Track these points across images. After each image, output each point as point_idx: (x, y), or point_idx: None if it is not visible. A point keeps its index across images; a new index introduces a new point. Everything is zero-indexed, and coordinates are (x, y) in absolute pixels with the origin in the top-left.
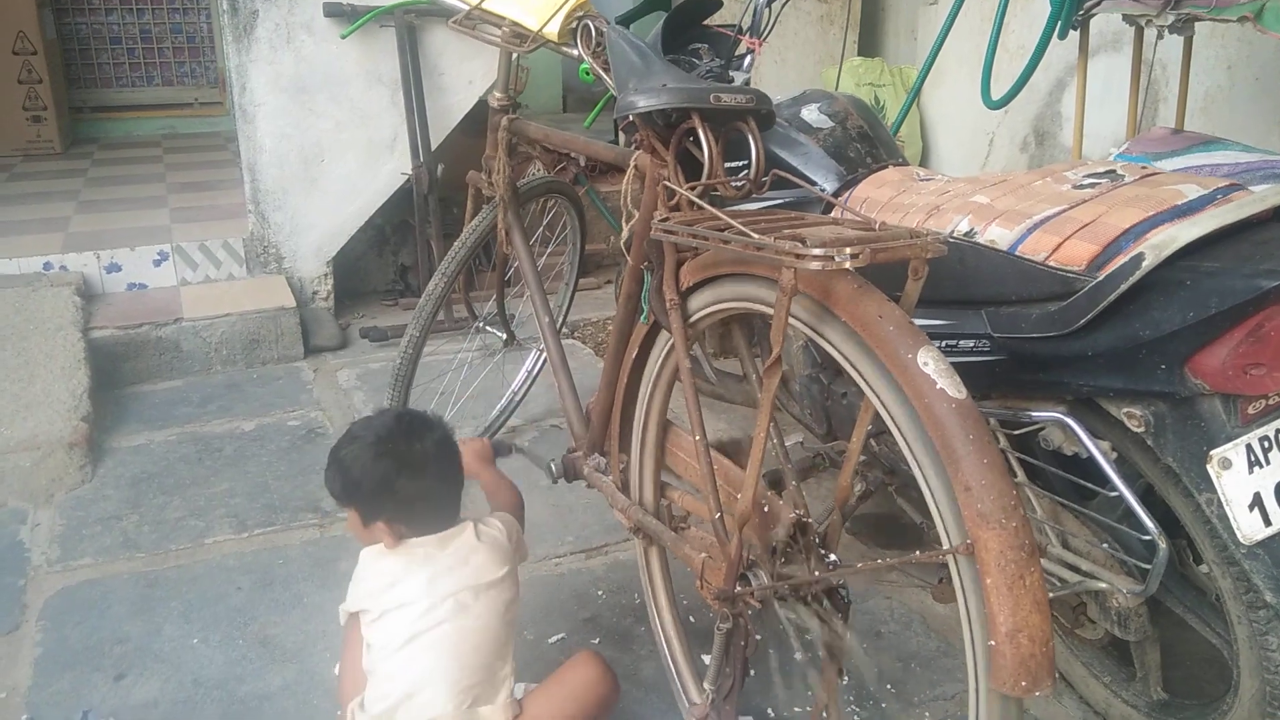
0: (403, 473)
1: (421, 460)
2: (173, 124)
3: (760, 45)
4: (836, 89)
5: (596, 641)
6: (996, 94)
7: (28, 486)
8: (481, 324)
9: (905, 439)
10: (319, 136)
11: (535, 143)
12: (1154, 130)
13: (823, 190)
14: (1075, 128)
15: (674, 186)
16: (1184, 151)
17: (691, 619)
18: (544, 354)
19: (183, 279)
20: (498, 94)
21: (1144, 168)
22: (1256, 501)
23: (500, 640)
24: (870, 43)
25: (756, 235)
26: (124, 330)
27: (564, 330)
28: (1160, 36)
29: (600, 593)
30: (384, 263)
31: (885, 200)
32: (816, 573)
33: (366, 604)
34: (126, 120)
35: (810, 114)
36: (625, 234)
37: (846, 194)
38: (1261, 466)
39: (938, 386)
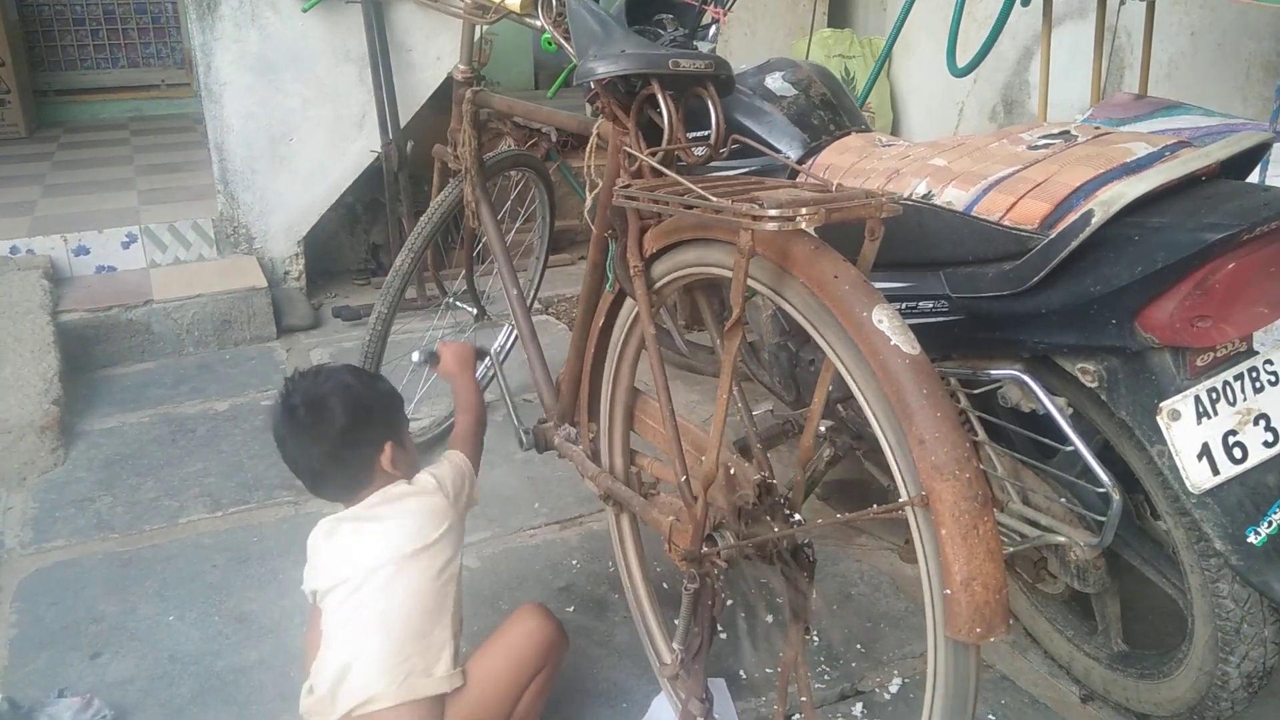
0: (288, 441)
1: (303, 424)
2: (140, 106)
3: (725, 15)
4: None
5: (571, 610)
6: (962, 62)
7: None
8: (451, 300)
9: (863, 395)
10: (286, 115)
11: (500, 114)
12: (1117, 96)
13: (787, 157)
14: (1040, 96)
15: (634, 152)
16: (1146, 117)
17: (665, 585)
18: (515, 329)
19: (152, 261)
20: (461, 66)
21: (1097, 128)
22: (1205, 451)
23: (434, 606)
24: (840, 14)
25: (714, 199)
26: (93, 313)
27: (536, 305)
28: (1123, 3)
29: (575, 562)
30: (356, 241)
31: (847, 166)
32: (780, 531)
33: (310, 582)
34: (92, 103)
35: (774, 82)
36: (589, 202)
37: (810, 161)
38: (1209, 417)
39: (892, 343)
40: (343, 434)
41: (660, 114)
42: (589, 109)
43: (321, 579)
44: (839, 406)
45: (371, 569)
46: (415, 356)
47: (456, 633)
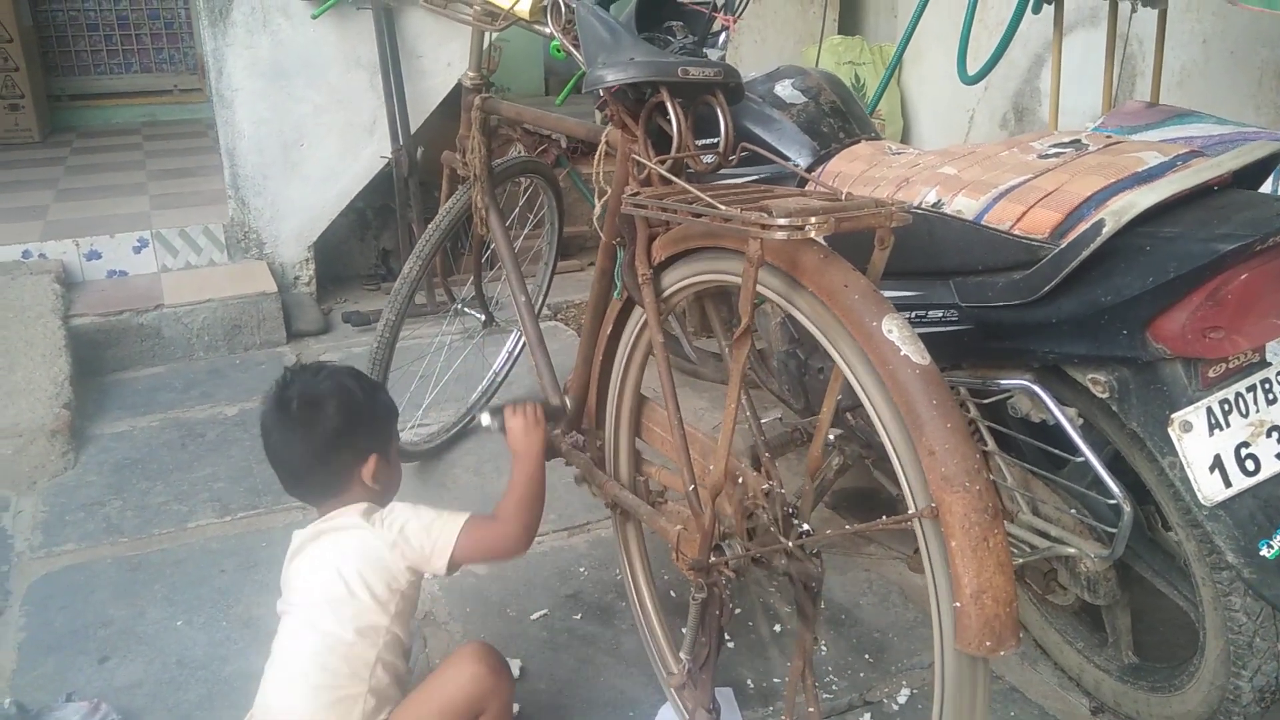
0: (274, 433)
1: (293, 419)
2: (152, 111)
3: (735, 22)
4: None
5: (578, 617)
6: (973, 70)
7: (10, 474)
8: (460, 306)
9: (872, 406)
10: (298, 121)
11: (509, 121)
12: (1128, 104)
13: (796, 165)
14: (1051, 103)
15: (643, 160)
16: (1158, 125)
17: (672, 594)
18: (523, 335)
19: (163, 265)
20: (470, 73)
21: (1108, 137)
22: (1217, 463)
23: (342, 663)
24: (850, 21)
25: (723, 207)
26: (105, 317)
27: (545, 312)
28: (1135, 10)
29: (582, 569)
30: (366, 247)
31: (857, 174)
32: (788, 541)
33: (280, 602)
34: (105, 108)
35: (784, 90)
36: (598, 210)
37: (819, 169)
38: (1221, 429)
39: (902, 353)
40: (331, 437)
41: (669, 121)
42: (598, 116)
43: (281, 601)
44: (848, 415)
45: (297, 605)
46: (485, 420)
47: (384, 690)
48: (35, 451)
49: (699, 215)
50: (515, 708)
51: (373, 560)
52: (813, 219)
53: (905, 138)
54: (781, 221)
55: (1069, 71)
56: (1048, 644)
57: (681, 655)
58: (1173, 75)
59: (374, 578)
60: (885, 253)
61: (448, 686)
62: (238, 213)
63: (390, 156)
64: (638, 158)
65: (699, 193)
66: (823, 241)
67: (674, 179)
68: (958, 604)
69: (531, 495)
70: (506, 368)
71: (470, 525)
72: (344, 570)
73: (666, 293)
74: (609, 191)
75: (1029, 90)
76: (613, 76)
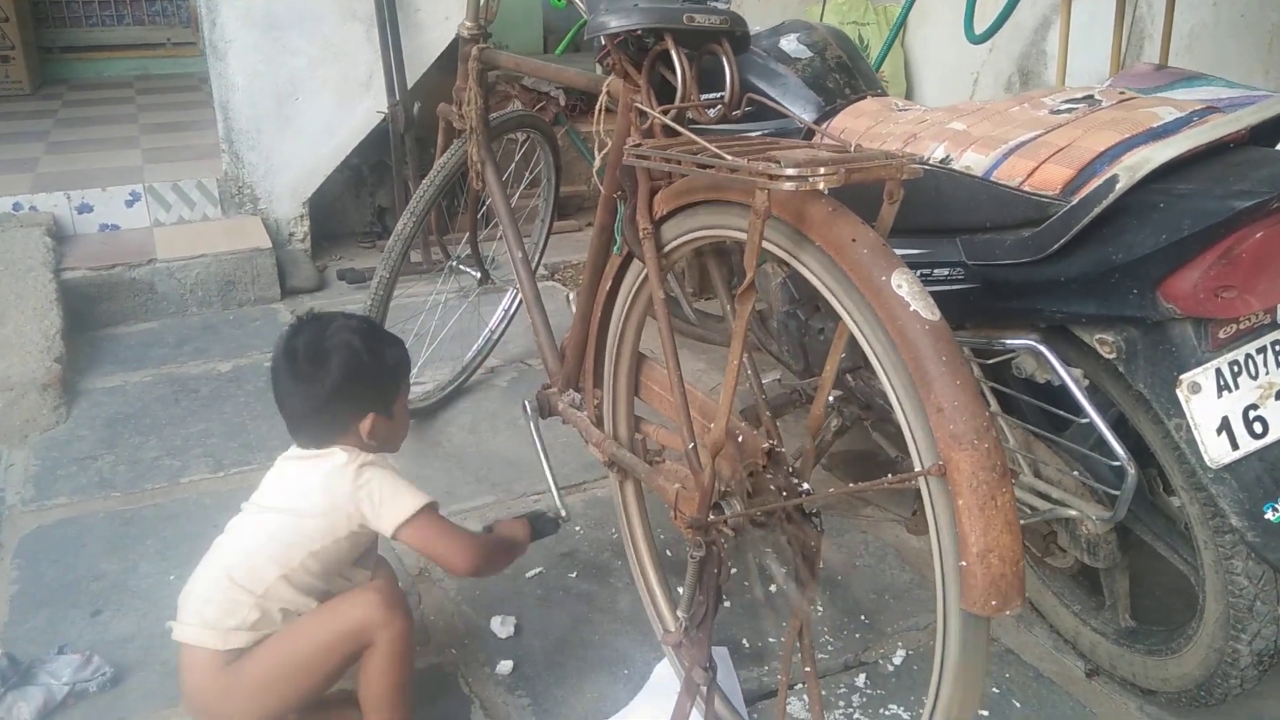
0: (280, 381)
1: (299, 371)
2: (145, 64)
3: None
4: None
5: (574, 575)
6: (979, 30)
7: (1, 427)
8: (455, 263)
9: (879, 362)
10: (292, 74)
11: (507, 71)
12: (1137, 66)
13: (803, 119)
14: (1059, 65)
15: (646, 109)
16: (1167, 88)
17: (669, 553)
18: (519, 293)
19: (156, 220)
20: (468, 23)
21: (1121, 93)
22: (1224, 425)
23: (262, 565)
24: None
25: (730, 157)
26: (96, 271)
27: (542, 271)
28: None
29: (578, 528)
30: (361, 204)
31: (863, 130)
32: (787, 500)
33: None
34: (97, 61)
35: (789, 44)
36: (598, 163)
37: (825, 124)
38: (1230, 391)
39: (911, 309)
40: (330, 392)
41: (673, 72)
42: (599, 68)
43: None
44: (848, 376)
45: (250, 503)
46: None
47: (270, 612)
48: (26, 405)
49: (704, 166)
50: (511, 665)
51: (331, 493)
52: (821, 170)
53: (909, 99)
54: (790, 172)
55: (1076, 33)
56: (1044, 607)
57: (679, 613)
58: (1182, 38)
59: (320, 510)
60: (894, 207)
61: (338, 611)
62: (231, 167)
63: (386, 112)
64: (641, 107)
65: (705, 144)
66: (831, 196)
67: (679, 128)
68: (964, 563)
69: (501, 553)
70: (502, 326)
71: (429, 517)
72: (300, 488)
73: (668, 248)
74: (609, 144)
75: (1035, 53)
76: (616, 23)
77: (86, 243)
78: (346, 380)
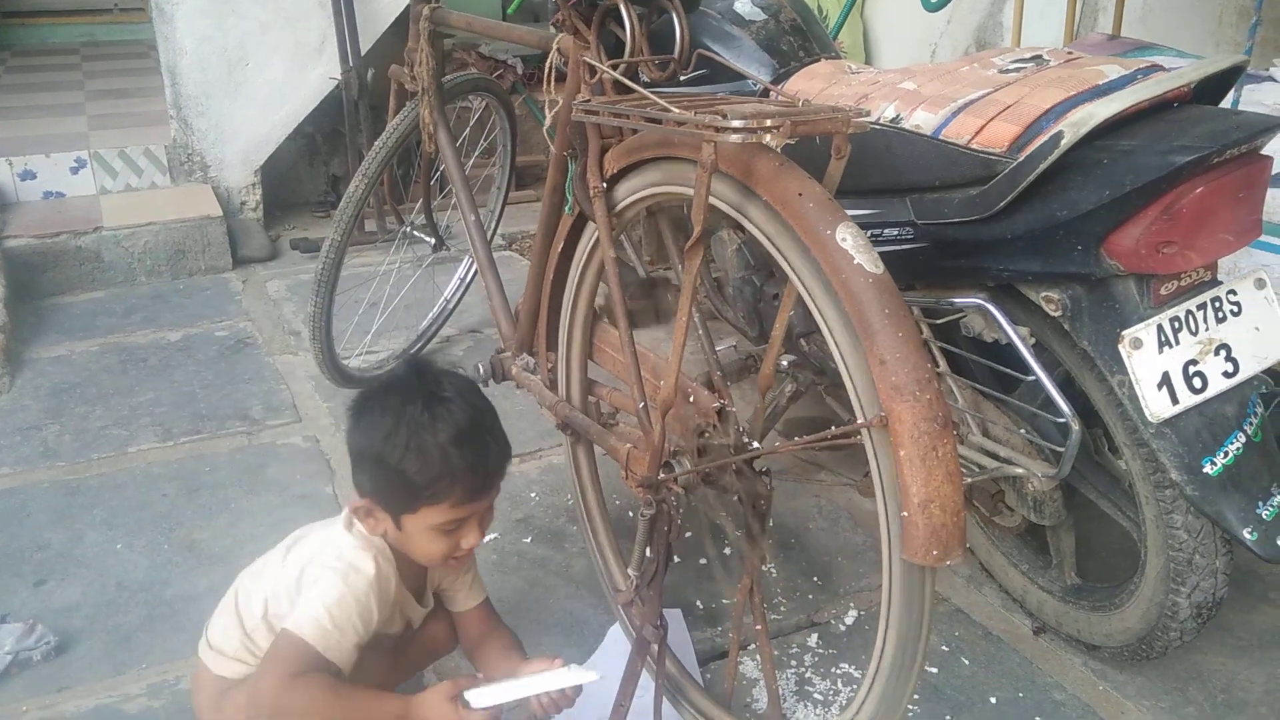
0: (366, 415)
1: (375, 417)
2: (91, 31)
3: None
4: None
5: (528, 540)
6: None
7: None
8: (409, 230)
9: (823, 317)
10: (242, 38)
11: (458, 30)
12: (1090, 36)
13: (759, 79)
14: (1014, 37)
15: (596, 64)
16: (1120, 56)
17: (629, 514)
18: (474, 259)
19: (102, 187)
20: None
21: (1069, 52)
22: (1165, 381)
23: (251, 601)
24: None
25: (677, 110)
26: (41, 239)
27: (499, 241)
28: None
29: (533, 494)
30: (315, 173)
31: (816, 92)
32: (736, 456)
33: None
34: (41, 26)
35: (743, 7)
36: (549, 121)
37: (779, 86)
38: (1171, 346)
39: (855, 262)
40: (352, 452)
41: (623, 28)
42: (552, 30)
43: None
44: (801, 341)
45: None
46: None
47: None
48: None
49: (652, 120)
50: None
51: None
52: (768, 122)
53: None
54: (736, 124)
55: (1032, 5)
56: (993, 566)
57: (629, 571)
58: (1134, 11)
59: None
60: (842, 163)
61: None
62: (180, 134)
63: (340, 79)
64: (590, 62)
65: (654, 98)
66: (780, 153)
67: (629, 83)
68: (905, 513)
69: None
70: (458, 295)
71: (300, 645)
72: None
73: (619, 206)
74: (559, 102)
75: (991, 24)
76: None
77: (30, 210)
78: (359, 456)
